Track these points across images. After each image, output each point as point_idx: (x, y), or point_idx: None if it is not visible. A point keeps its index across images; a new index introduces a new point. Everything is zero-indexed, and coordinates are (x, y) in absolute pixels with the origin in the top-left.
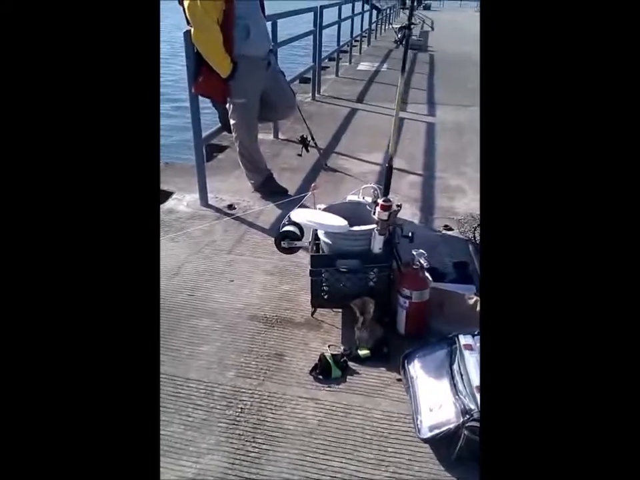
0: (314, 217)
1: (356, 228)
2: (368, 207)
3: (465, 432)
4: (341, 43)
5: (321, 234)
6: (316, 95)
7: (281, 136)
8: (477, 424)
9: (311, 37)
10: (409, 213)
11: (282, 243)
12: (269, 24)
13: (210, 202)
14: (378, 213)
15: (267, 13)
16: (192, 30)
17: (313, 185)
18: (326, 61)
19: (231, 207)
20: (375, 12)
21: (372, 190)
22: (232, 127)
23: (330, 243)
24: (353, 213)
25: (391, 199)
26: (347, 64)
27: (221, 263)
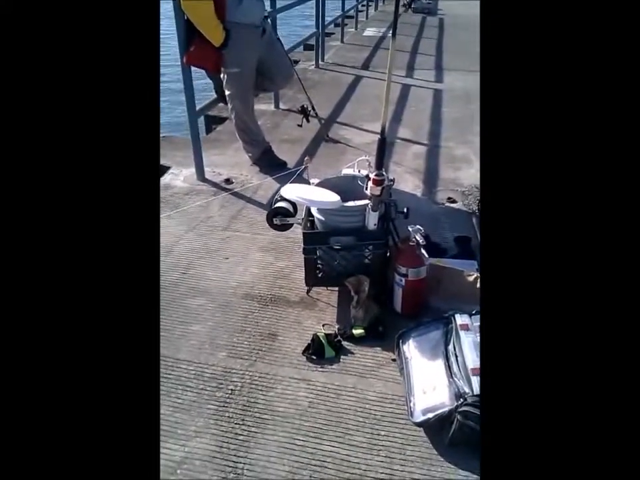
0: (305, 193)
1: (350, 203)
2: (360, 182)
3: (458, 417)
4: (347, 8)
5: (314, 210)
6: (319, 62)
7: (282, 106)
8: (470, 408)
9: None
10: (412, 185)
11: (274, 219)
12: None
13: (207, 176)
14: (370, 188)
15: None
16: None
17: (305, 158)
18: (331, 26)
19: (228, 181)
20: None
21: (367, 163)
22: (227, 98)
23: (323, 219)
24: (348, 188)
25: (384, 173)
26: (353, 30)
27: (216, 240)
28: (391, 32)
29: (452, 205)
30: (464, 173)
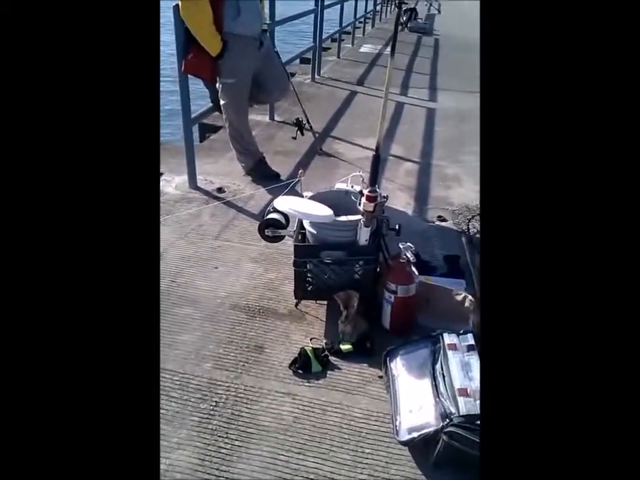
0: (298, 206)
1: (342, 218)
2: (353, 197)
3: (444, 437)
4: (344, 24)
5: (306, 223)
6: (316, 76)
7: (276, 118)
8: (455, 429)
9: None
10: (403, 203)
11: (266, 231)
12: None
13: (199, 184)
14: (363, 204)
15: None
16: (180, 4)
17: (300, 171)
18: (328, 41)
19: (220, 190)
20: None
21: (360, 178)
22: (221, 108)
23: (314, 232)
24: (340, 202)
25: (377, 190)
26: (350, 45)
27: (206, 249)
28: (387, 49)
29: (442, 223)
30: (454, 192)
